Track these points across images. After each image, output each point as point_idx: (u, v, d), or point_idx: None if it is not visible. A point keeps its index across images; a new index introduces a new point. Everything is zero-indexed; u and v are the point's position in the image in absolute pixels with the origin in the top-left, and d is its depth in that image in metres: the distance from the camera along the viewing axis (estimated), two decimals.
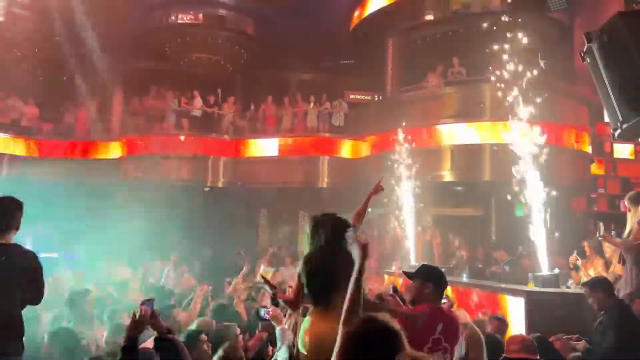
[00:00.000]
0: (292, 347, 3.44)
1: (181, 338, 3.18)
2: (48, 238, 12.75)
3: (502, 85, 7.47)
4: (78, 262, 11.26)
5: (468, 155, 10.67)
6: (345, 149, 13.44)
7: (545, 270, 6.26)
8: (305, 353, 3.20)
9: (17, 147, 13.72)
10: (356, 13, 13.59)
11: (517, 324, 5.34)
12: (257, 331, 4.29)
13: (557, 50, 12.23)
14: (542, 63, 8.87)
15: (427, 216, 11.70)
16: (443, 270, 3.49)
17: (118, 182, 13.31)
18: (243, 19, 15.00)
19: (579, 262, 6.56)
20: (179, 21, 14.68)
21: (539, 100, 7.20)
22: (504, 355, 3.55)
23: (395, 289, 4.11)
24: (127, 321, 4.67)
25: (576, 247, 6.98)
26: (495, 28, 10.90)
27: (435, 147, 10.96)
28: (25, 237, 10.92)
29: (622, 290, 4.97)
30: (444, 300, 3.57)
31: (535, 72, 7.36)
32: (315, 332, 3.17)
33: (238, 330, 4.14)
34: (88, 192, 13.10)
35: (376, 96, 14.97)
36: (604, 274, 6.06)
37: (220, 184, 13.52)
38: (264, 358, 4.15)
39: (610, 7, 8.29)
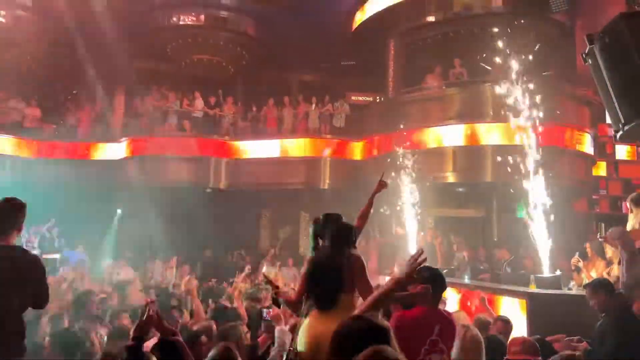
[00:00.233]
0: (289, 350, 3.44)
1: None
2: (50, 239, 12.78)
3: (504, 86, 7.48)
4: (80, 263, 11.28)
5: (470, 156, 10.66)
6: (347, 150, 13.43)
7: (547, 271, 6.26)
8: (304, 353, 3.21)
9: (19, 148, 13.75)
10: (358, 14, 13.59)
11: (518, 326, 5.33)
12: (258, 332, 4.30)
13: (559, 51, 12.22)
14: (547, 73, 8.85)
15: (429, 217, 11.70)
16: (445, 271, 3.49)
17: (120, 183, 13.33)
18: (244, 20, 15.01)
19: (581, 264, 6.55)
20: (181, 22, 14.71)
21: (540, 101, 7.20)
22: (506, 357, 3.55)
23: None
24: (128, 322, 4.71)
25: (578, 248, 6.98)
26: (496, 29, 10.89)
27: (436, 148, 10.96)
28: (28, 238, 10.96)
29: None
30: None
31: (536, 73, 7.36)
32: (314, 333, 3.18)
33: (245, 329, 4.16)
34: (90, 193, 13.13)
35: (378, 97, 14.97)
36: (606, 276, 6.04)
37: (221, 185, 13.53)
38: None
39: (612, 9, 8.28)
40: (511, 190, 7.30)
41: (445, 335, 3.14)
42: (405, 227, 10.30)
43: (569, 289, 6.46)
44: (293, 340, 3.59)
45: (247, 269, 9.32)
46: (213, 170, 13.48)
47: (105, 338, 4.24)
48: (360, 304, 2.91)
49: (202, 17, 14.84)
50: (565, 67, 11.78)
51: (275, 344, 3.41)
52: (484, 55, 10.92)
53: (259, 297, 6.45)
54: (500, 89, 7.77)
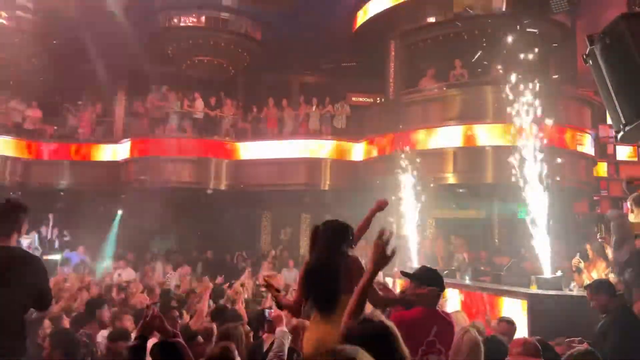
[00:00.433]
0: (290, 351, 3.44)
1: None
2: (52, 240, 12.80)
3: (504, 87, 7.48)
4: (81, 264, 11.29)
5: (471, 157, 10.66)
6: (348, 151, 13.43)
7: (548, 272, 6.26)
8: (306, 355, 3.21)
9: (20, 149, 13.76)
10: (358, 15, 13.60)
11: (519, 327, 5.32)
12: (259, 332, 4.31)
13: (560, 52, 12.22)
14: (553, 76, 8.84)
15: (430, 219, 11.70)
16: (445, 272, 3.49)
17: (121, 185, 13.35)
18: (245, 22, 15.02)
19: (582, 265, 6.54)
20: (182, 24, 14.73)
21: (541, 102, 7.20)
22: (507, 358, 3.54)
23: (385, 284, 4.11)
24: (129, 323, 4.71)
25: (579, 249, 6.97)
26: (497, 30, 10.89)
27: (437, 149, 10.95)
28: (29, 239, 10.97)
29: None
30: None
31: (536, 74, 7.36)
32: (316, 337, 3.17)
33: (247, 329, 4.15)
34: (91, 195, 13.15)
35: (378, 98, 14.98)
36: (607, 277, 6.04)
37: (222, 186, 13.53)
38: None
39: (613, 9, 8.28)
40: (512, 191, 7.29)
41: (443, 336, 3.13)
42: (405, 228, 10.29)
43: (570, 289, 6.45)
44: (293, 341, 3.59)
45: (248, 271, 9.33)
46: (214, 171, 13.49)
47: (106, 339, 4.24)
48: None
49: (203, 18, 14.86)
50: (566, 67, 11.79)
51: (274, 345, 3.41)
52: (485, 56, 10.93)
53: (261, 300, 6.47)
54: (500, 90, 7.77)
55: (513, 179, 6.96)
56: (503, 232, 11.37)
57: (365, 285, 2.50)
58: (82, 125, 14.53)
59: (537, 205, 6.55)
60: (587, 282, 5.81)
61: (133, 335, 3.58)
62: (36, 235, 12.00)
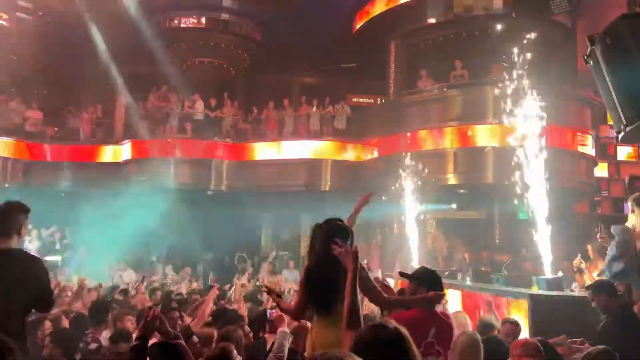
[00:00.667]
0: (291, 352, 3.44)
1: None
2: (52, 241, 12.80)
3: (505, 87, 7.47)
4: (82, 266, 11.29)
5: (471, 158, 10.66)
6: (348, 152, 13.43)
7: (549, 273, 6.25)
8: (308, 359, 3.21)
9: (21, 151, 13.77)
10: (359, 16, 13.61)
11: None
12: (260, 332, 4.31)
13: (560, 53, 12.22)
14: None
15: (431, 219, 11.70)
16: (446, 273, 3.48)
17: (122, 186, 13.34)
18: (246, 23, 15.05)
19: (583, 265, 6.54)
20: (182, 25, 14.74)
21: (541, 102, 7.19)
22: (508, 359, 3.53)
23: (383, 280, 4.12)
24: (131, 324, 4.71)
25: (580, 250, 6.96)
26: (497, 31, 10.90)
27: (437, 149, 10.95)
28: (30, 241, 10.96)
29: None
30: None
31: (537, 74, 7.35)
32: (318, 339, 3.16)
33: (247, 329, 4.15)
34: (92, 196, 13.14)
35: (379, 99, 14.99)
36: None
37: (223, 188, 13.53)
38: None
39: (613, 10, 8.28)
40: (512, 192, 7.29)
41: (442, 337, 3.13)
42: (406, 229, 10.28)
43: (571, 290, 6.45)
44: (294, 342, 3.59)
45: (248, 273, 9.35)
46: (214, 172, 13.48)
47: (107, 339, 4.24)
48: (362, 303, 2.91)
49: (204, 19, 14.88)
50: (566, 68, 11.79)
51: (275, 345, 3.40)
52: (485, 57, 10.93)
53: (260, 299, 6.47)
54: (501, 91, 7.76)
55: (513, 179, 6.95)
56: (504, 233, 11.36)
57: (353, 284, 2.46)
58: (82, 126, 14.54)
59: (537, 205, 6.54)
60: (588, 282, 5.81)
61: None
62: (36, 237, 12.01)
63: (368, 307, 5.47)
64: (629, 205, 5.48)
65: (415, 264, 9.47)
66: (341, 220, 3.49)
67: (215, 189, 13.46)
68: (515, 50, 7.47)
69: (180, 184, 13.06)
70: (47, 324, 4.51)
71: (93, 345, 4.17)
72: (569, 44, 12.18)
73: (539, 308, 5.42)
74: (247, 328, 4.32)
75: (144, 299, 6.80)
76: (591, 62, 3.70)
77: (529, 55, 7.48)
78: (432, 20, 12.55)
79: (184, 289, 8.91)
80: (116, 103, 15.09)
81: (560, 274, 6.43)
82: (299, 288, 3.49)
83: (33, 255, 3.55)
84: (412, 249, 9.88)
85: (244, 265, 12.56)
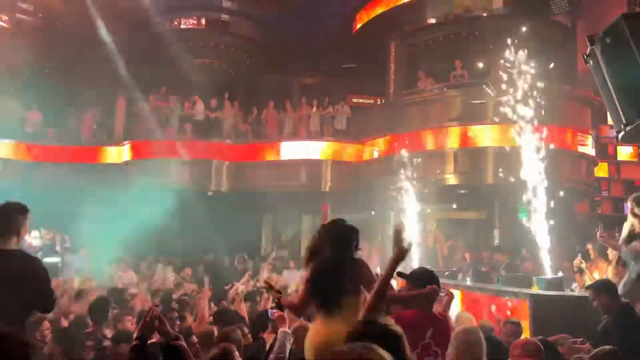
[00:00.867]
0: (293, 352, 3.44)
1: None
2: (52, 243, 12.79)
3: (505, 88, 7.48)
4: (83, 267, 11.28)
5: (471, 158, 10.66)
6: (348, 153, 13.43)
7: (549, 273, 6.25)
8: (310, 357, 3.20)
9: (20, 152, 13.76)
10: (359, 16, 13.62)
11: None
12: (260, 333, 4.31)
13: (560, 52, 12.22)
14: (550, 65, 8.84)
15: (431, 219, 11.69)
16: (446, 273, 3.48)
17: (122, 187, 13.33)
18: (245, 24, 15.05)
19: (583, 265, 6.54)
20: (182, 26, 14.74)
21: (541, 102, 7.19)
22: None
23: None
24: (131, 325, 4.71)
25: (580, 250, 6.96)
26: (497, 31, 10.90)
27: (438, 150, 10.95)
28: (30, 242, 10.95)
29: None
30: (442, 293, 3.57)
31: (537, 74, 7.36)
32: (319, 338, 3.16)
33: (246, 330, 4.15)
34: (91, 197, 13.13)
35: (379, 99, 14.99)
36: (609, 277, 6.03)
37: (223, 188, 13.53)
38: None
39: (613, 10, 8.29)
40: (512, 192, 7.29)
41: (439, 338, 3.12)
42: (407, 229, 10.28)
43: (572, 290, 6.44)
44: (295, 342, 3.59)
45: (248, 274, 9.33)
46: (214, 173, 13.48)
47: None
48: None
49: (204, 21, 14.88)
50: (566, 68, 11.78)
51: (276, 346, 3.40)
52: (485, 57, 10.93)
53: (257, 299, 6.46)
54: (501, 91, 7.76)
55: (513, 179, 6.95)
56: (504, 233, 11.35)
57: (386, 280, 2.66)
58: (83, 127, 14.54)
59: (537, 205, 6.54)
60: (588, 282, 5.81)
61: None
62: (37, 239, 12.01)
63: None
64: (628, 205, 5.48)
65: (415, 264, 9.46)
66: (345, 221, 3.51)
67: (216, 189, 13.45)
68: (515, 50, 7.47)
69: (180, 185, 13.05)
70: (46, 324, 4.52)
71: (106, 342, 4.18)
72: (568, 44, 12.18)
73: (539, 308, 5.42)
74: (245, 329, 4.32)
75: (144, 300, 6.80)
76: (591, 61, 3.70)
77: (528, 55, 7.48)
78: (432, 21, 12.55)
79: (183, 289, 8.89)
80: (116, 104, 15.09)
81: (560, 274, 6.44)
82: (303, 284, 3.50)
83: (32, 256, 3.55)
84: (413, 249, 9.85)
85: (244, 266, 12.53)
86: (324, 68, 15.38)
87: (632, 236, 5.09)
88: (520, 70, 7.41)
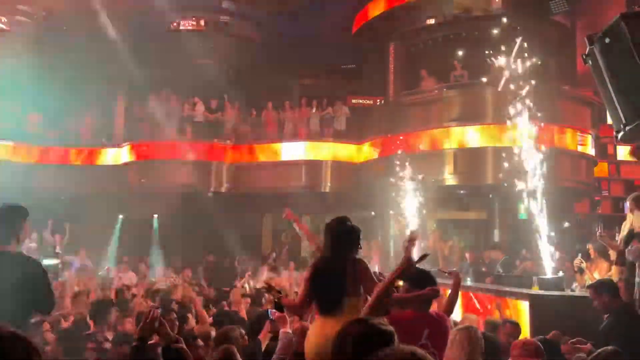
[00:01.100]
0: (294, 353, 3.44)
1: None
2: (52, 245, 12.78)
3: (504, 88, 7.48)
4: (83, 268, 11.28)
5: (471, 158, 10.66)
6: (348, 153, 13.42)
7: (549, 273, 6.25)
8: (310, 358, 3.20)
9: (20, 153, 13.75)
10: (358, 17, 13.62)
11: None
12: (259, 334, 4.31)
13: (559, 52, 12.23)
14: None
15: (431, 220, 11.68)
16: (446, 274, 3.47)
17: (121, 188, 13.34)
18: (245, 25, 15.04)
19: (584, 265, 6.54)
20: (182, 27, 14.73)
21: (541, 102, 7.20)
22: (503, 359, 3.53)
23: (380, 274, 4.11)
24: (131, 326, 4.70)
25: (580, 250, 6.96)
26: (497, 31, 10.91)
27: (437, 150, 10.95)
28: (30, 244, 10.95)
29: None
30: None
31: (537, 74, 7.36)
32: (319, 339, 3.16)
33: (244, 331, 4.14)
34: (91, 199, 13.14)
35: (378, 100, 14.98)
36: (609, 277, 6.03)
37: (223, 189, 13.52)
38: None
39: (612, 10, 8.29)
40: (512, 192, 7.29)
41: (436, 338, 3.11)
42: (406, 230, 10.27)
43: (572, 290, 6.44)
44: (297, 343, 3.59)
45: (248, 274, 9.33)
46: (214, 174, 13.48)
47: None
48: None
49: (203, 22, 14.87)
50: (565, 68, 11.79)
51: (278, 347, 3.40)
52: (485, 57, 10.94)
53: (260, 301, 6.47)
54: (500, 91, 7.78)
55: (513, 180, 6.96)
56: (504, 233, 11.35)
57: (390, 284, 2.70)
58: (83, 129, 14.53)
59: (537, 205, 6.55)
60: (589, 282, 5.80)
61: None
62: (37, 240, 11.99)
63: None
64: (627, 204, 5.49)
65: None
66: (348, 219, 3.51)
67: (215, 191, 13.45)
68: (515, 50, 7.48)
69: (181, 186, 13.05)
70: (46, 325, 4.52)
71: (107, 345, 4.18)
72: (568, 44, 12.18)
73: (539, 308, 5.42)
74: (242, 330, 4.30)
75: (144, 301, 6.80)
76: (590, 61, 3.71)
77: (528, 56, 7.49)
78: (432, 21, 12.55)
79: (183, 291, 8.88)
80: (116, 106, 15.09)
81: (560, 274, 6.44)
82: (304, 284, 3.50)
83: (32, 258, 3.54)
84: (412, 249, 9.83)
85: (244, 267, 12.53)
86: (324, 69, 15.38)
87: (631, 235, 5.10)
88: (519, 70, 7.41)
